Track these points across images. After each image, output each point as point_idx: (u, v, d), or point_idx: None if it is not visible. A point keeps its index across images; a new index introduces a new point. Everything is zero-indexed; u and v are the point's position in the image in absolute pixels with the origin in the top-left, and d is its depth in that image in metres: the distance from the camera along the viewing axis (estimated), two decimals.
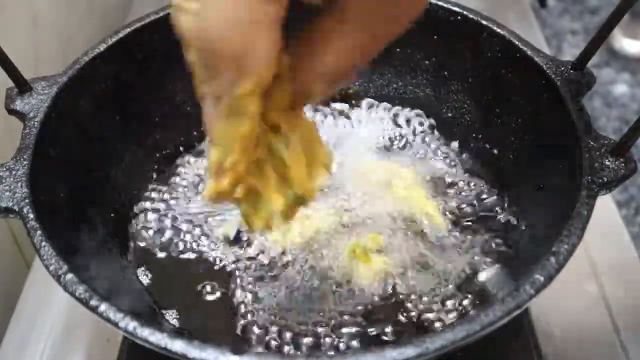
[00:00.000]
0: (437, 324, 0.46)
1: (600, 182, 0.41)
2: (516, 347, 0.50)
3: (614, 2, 0.46)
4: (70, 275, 0.38)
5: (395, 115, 0.60)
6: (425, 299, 0.47)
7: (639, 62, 1.70)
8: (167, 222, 0.53)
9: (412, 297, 0.47)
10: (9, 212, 0.41)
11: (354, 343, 0.45)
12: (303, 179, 0.37)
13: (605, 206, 0.62)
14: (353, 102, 0.61)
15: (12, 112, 0.47)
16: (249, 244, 0.51)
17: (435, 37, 0.56)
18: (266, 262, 0.50)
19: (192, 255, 0.51)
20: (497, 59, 0.52)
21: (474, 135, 0.56)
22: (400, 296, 0.47)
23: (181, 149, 0.58)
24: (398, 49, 0.58)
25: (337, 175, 0.55)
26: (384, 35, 0.31)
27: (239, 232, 0.52)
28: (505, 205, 0.52)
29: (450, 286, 0.48)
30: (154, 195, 0.55)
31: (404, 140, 0.58)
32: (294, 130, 0.36)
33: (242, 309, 0.47)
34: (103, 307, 0.36)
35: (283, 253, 0.50)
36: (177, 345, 0.34)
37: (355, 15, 0.30)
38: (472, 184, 0.54)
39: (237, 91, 0.29)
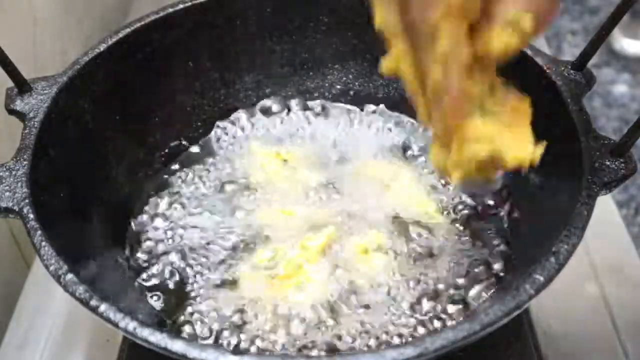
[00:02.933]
0: (437, 322, 0.46)
1: (600, 182, 0.41)
2: (516, 347, 0.50)
3: (614, 2, 0.46)
4: (70, 275, 0.38)
5: (396, 116, 0.60)
6: (425, 297, 0.47)
7: (639, 62, 1.70)
8: (167, 223, 0.53)
9: (413, 295, 0.47)
10: (9, 212, 0.41)
11: (356, 341, 0.45)
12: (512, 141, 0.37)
13: (605, 206, 0.62)
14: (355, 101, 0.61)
15: (12, 112, 0.47)
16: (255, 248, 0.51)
17: None
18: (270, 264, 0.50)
19: (191, 256, 0.51)
20: None
21: None
22: (401, 294, 0.47)
23: (181, 148, 0.58)
24: None
25: (337, 175, 0.55)
26: None
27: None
28: (505, 204, 0.52)
29: (450, 285, 0.48)
30: (153, 195, 0.55)
31: (404, 140, 0.58)
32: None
33: (247, 308, 0.47)
34: (103, 307, 0.36)
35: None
36: (177, 345, 0.34)
37: None
38: None
39: (429, 15, 0.33)
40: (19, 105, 0.47)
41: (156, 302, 0.48)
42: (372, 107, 0.61)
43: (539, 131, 0.49)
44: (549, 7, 0.34)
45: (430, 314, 0.46)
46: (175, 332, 0.46)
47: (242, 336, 0.45)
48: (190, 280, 0.49)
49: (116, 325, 0.36)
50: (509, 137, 0.37)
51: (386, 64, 0.39)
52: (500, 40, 0.34)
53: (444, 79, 0.35)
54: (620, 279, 0.57)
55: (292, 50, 0.60)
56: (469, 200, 0.53)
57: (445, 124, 0.37)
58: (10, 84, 0.47)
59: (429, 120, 0.39)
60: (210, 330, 0.46)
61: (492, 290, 0.47)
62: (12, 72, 0.46)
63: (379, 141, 0.58)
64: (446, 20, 0.33)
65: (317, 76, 0.61)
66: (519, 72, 0.50)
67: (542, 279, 0.37)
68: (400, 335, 0.45)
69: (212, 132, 0.59)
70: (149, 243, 0.52)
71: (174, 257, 0.51)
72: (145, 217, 0.53)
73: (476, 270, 0.48)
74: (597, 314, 0.55)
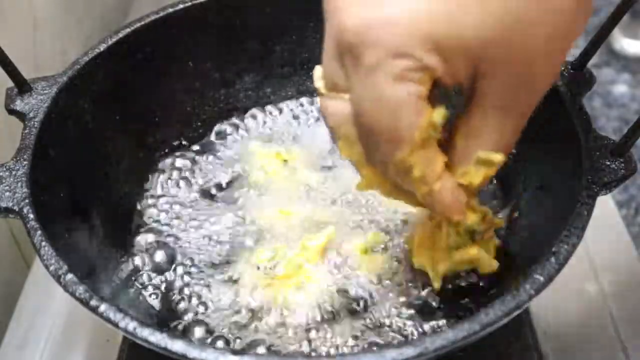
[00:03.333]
0: (437, 322, 0.46)
1: (600, 182, 0.41)
2: (516, 347, 0.50)
3: (614, 2, 0.46)
4: (70, 275, 0.38)
5: None
6: (425, 297, 0.47)
7: (639, 62, 1.70)
8: (167, 222, 0.53)
9: (413, 295, 0.47)
10: (9, 212, 0.41)
11: (356, 341, 0.45)
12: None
13: (605, 206, 0.62)
14: None
15: (12, 112, 0.47)
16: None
17: None
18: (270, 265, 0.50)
19: (191, 256, 0.51)
20: None
21: None
22: (401, 294, 0.47)
23: (181, 148, 0.58)
24: None
25: (337, 174, 0.55)
26: (521, 118, 0.35)
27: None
28: (505, 204, 0.52)
29: (450, 284, 0.48)
30: (153, 195, 0.55)
31: None
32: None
33: (247, 308, 0.47)
34: (103, 307, 0.36)
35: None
36: (177, 345, 0.34)
37: (493, 102, 0.34)
38: None
39: (395, 157, 0.34)
40: (19, 105, 0.47)
41: (156, 301, 0.48)
42: None
43: (539, 131, 0.49)
44: (514, 140, 0.36)
45: (430, 314, 0.46)
46: (175, 332, 0.46)
47: (242, 336, 0.46)
48: (190, 280, 0.49)
49: (116, 325, 0.36)
50: (482, 254, 0.44)
51: (360, 187, 0.41)
52: (477, 176, 0.37)
53: (428, 196, 0.37)
54: (620, 279, 0.57)
55: (292, 50, 0.60)
56: None
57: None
58: (10, 84, 0.47)
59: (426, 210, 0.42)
60: (210, 330, 0.46)
61: (492, 291, 0.47)
62: (12, 72, 0.46)
63: None
64: (413, 155, 0.34)
65: None
66: None
67: (542, 279, 0.37)
68: (400, 335, 0.45)
69: (212, 132, 0.59)
70: (148, 243, 0.52)
71: (173, 256, 0.51)
72: (144, 217, 0.53)
73: (476, 270, 0.48)
74: (596, 313, 0.55)
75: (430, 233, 0.45)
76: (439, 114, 0.35)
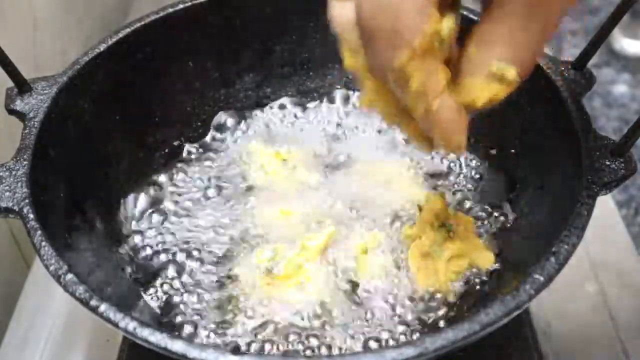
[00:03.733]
0: (437, 322, 0.46)
1: (600, 182, 0.41)
2: (516, 347, 0.50)
3: (614, 2, 0.46)
4: (70, 275, 0.38)
5: None
6: (425, 297, 0.47)
7: (639, 62, 1.70)
8: (167, 223, 0.53)
9: (413, 295, 0.47)
10: (9, 212, 0.41)
11: (356, 341, 0.45)
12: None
13: (605, 206, 0.62)
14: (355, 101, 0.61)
15: (12, 112, 0.47)
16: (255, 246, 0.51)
17: None
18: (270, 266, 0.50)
19: (190, 255, 0.51)
20: None
21: (473, 135, 0.56)
22: (401, 295, 0.47)
23: (181, 148, 0.58)
24: None
25: (337, 174, 0.55)
26: (540, 33, 0.33)
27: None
28: (505, 204, 0.52)
29: (451, 284, 0.48)
30: (153, 195, 0.55)
31: (405, 140, 0.58)
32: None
33: (247, 308, 0.47)
34: (103, 307, 0.36)
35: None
36: (177, 345, 0.34)
37: (513, 8, 0.32)
38: (471, 183, 0.54)
39: (395, 62, 0.32)
40: (19, 105, 0.47)
41: (156, 302, 0.48)
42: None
43: (540, 131, 0.49)
44: (532, 57, 0.34)
45: (430, 314, 0.46)
46: (175, 331, 0.46)
47: (242, 336, 0.46)
48: (190, 280, 0.49)
49: (116, 325, 0.36)
50: (474, 250, 0.46)
51: (363, 101, 0.39)
52: (485, 91, 0.34)
53: (426, 117, 0.34)
54: (620, 279, 0.57)
55: (292, 50, 0.60)
56: (468, 200, 0.53)
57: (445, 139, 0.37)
58: (10, 84, 0.47)
59: (423, 141, 0.39)
60: (210, 330, 0.46)
61: (494, 290, 0.47)
62: (12, 72, 0.47)
63: (379, 141, 0.58)
64: (413, 63, 0.32)
65: (317, 76, 0.61)
66: None
67: (542, 279, 0.37)
68: (400, 335, 0.45)
69: (212, 132, 0.59)
70: (148, 243, 0.52)
71: (174, 256, 0.51)
72: (145, 217, 0.53)
73: (475, 270, 0.48)
74: (597, 313, 0.55)
75: (419, 250, 0.46)
76: (447, 22, 0.32)
